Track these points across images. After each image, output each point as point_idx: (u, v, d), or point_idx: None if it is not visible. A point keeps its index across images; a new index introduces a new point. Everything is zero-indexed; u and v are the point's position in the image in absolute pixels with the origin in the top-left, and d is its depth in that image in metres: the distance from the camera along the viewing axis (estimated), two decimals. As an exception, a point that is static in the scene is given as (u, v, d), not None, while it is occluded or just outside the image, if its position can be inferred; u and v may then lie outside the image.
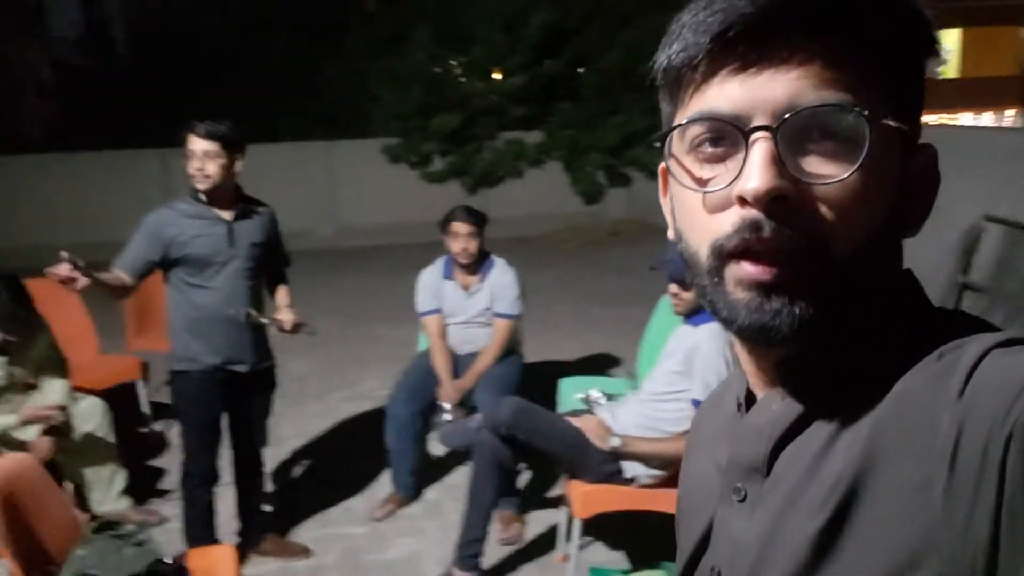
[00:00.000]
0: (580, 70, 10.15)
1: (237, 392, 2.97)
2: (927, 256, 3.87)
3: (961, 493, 0.48)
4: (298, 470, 4.03)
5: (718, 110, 0.57)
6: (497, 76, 9.83)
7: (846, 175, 0.54)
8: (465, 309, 3.64)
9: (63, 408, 3.16)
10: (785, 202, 0.54)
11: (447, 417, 3.49)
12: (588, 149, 9.87)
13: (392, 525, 3.49)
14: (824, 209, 0.55)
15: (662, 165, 0.65)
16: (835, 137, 0.55)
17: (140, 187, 9.18)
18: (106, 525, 2.33)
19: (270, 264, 3.08)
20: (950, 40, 18.82)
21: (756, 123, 0.55)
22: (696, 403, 2.64)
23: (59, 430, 3.16)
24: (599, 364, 5.13)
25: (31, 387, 3.26)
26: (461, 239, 3.51)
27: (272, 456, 3.98)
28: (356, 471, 3.89)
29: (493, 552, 3.19)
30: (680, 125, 0.60)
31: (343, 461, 4.07)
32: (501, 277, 3.60)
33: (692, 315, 2.75)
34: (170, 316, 2.89)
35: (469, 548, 2.96)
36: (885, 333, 0.59)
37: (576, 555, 2.89)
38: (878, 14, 0.56)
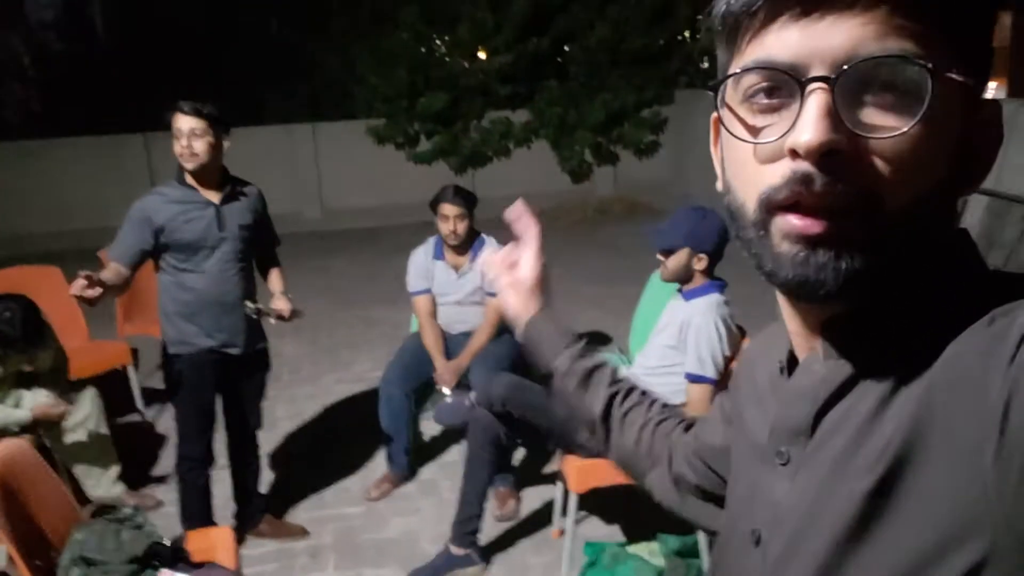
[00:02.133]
0: (566, 47, 10.11)
1: (230, 374, 2.97)
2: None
3: (1011, 460, 0.47)
4: (293, 452, 4.04)
5: (775, 59, 0.55)
6: (483, 55, 9.77)
7: (905, 129, 0.52)
8: (456, 289, 3.64)
9: (68, 406, 3.19)
10: (839, 156, 0.52)
11: (446, 398, 3.50)
12: (575, 127, 9.85)
13: (388, 504, 3.51)
14: (879, 163, 0.53)
15: (714, 114, 0.63)
16: (895, 89, 0.53)
17: (125, 172, 9.11)
18: (104, 509, 2.33)
19: (260, 245, 3.06)
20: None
21: (813, 73, 0.53)
22: (690, 376, 2.65)
23: (47, 423, 3.16)
24: (590, 341, 5.10)
25: (25, 377, 3.25)
26: (450, 221, 3.49)
27: (266, 439, 3.99)
28: (350, 452, 3.90)
29: (490, 529, 3.22)
30: (735, 74, 0.58)
31: (337, 442, 4.08)
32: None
33: (685, 290, 2.76)
34: (161, 301, 2.88)
35: (466, 525, 2.98)
36: (937, 294, 0.57)
37: (572, 530, 2.91)
38: None
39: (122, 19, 14.43)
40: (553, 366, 1.04)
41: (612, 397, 1.01)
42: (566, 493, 2.96)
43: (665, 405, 1.02)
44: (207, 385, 2.91)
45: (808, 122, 0.52)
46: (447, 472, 3.69)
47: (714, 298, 2.68)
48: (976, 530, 0.49)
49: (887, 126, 0.53)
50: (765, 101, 0.57)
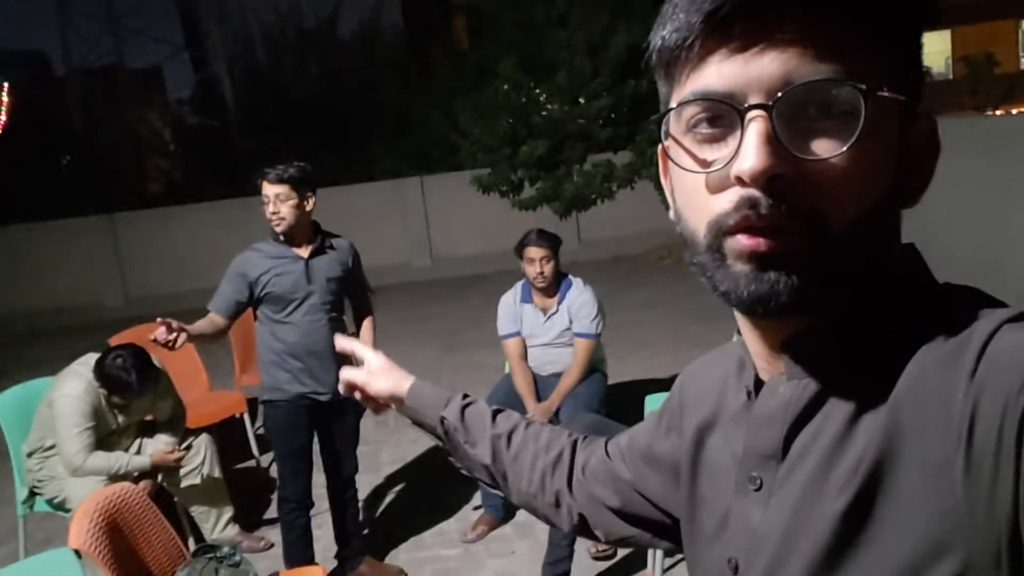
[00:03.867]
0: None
1: (322, 419, 3.11)
2: None
3: (980, 473, 0.48)
4: (394, 495, 4.14)
5: (713, 89, 0.56)
6: (582, 100, 9.87)
7: (843, 150, 0.53)
8: (545, 331, 3.67)
9: (183, 452, 3.42)
10: (782, 179, 0.54)
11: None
12: (678, 165, 9.77)
13: (484, 546, 3.54)
14: (822, 184, 0.54)
15: (661, 146, 0.64)
16: (831, 112, 0.54)
17: (251, 232, 9.66)
18: (205, 548, 2.47)
19: (351, 295, 3.21)
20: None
21: (751, 101, 0.54)
22: None
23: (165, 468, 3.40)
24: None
25: (147, 426, 3.52)
26: (536, 263, 3.55)
27: (369, 482, 4.13)
28: (450, 494, 3.96)
29: (585, 569, 3.19)
30: (675, 107, 0.59)
31: (438, 485, 4.14)
32: (578, 297, 3.62)
33: None
34: (258, 350, 3.07)
35: (556, 567, 2.97)
36: (891, 308, 0.58)
37: (660, 571, 2.85)
38: None
39: (249, 92, 15.56)
40: (441, 419, 1.01)
41: (496, 440, 0.98)
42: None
43: (558, 433, 0.99)
44: (301, 429, 3.05)
45: (750, 149, 0.54)
46: (543, 514, 3.69)
47: None
48: (951, 544, 0.49)
49: (826, 149, 0.54)
50: (708, 131, 0.58)
